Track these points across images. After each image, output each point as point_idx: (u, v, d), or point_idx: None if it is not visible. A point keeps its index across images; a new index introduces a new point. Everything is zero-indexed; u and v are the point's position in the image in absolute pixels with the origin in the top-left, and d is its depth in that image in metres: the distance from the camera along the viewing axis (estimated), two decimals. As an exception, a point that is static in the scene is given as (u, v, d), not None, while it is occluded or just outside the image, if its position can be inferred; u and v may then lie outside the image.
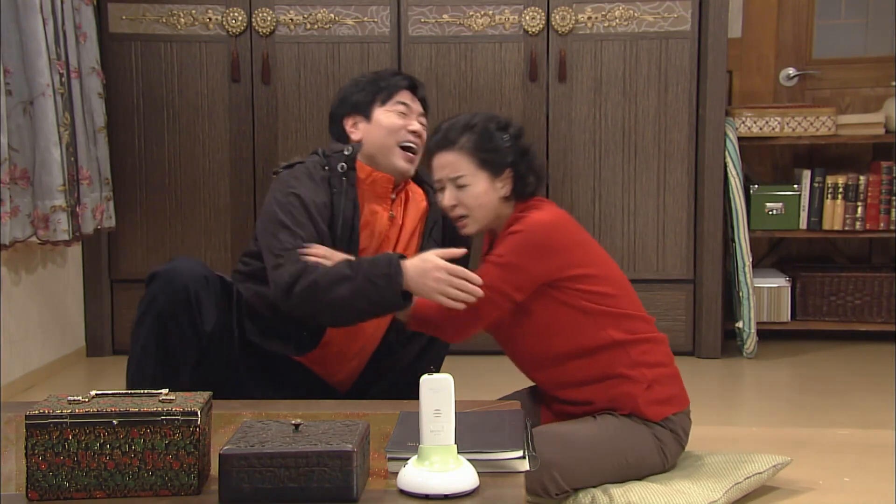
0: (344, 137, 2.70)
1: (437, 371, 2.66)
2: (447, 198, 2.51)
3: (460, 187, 2.49)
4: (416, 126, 2.67)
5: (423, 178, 2.77)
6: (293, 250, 2.44)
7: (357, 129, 2.68)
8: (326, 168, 2.61)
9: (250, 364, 2.60)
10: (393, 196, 2.69)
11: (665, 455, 2.50)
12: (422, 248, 2.69)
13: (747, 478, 2.55)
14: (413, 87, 2.73)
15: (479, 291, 2.36)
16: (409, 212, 2.73)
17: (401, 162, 2.65)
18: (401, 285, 2.34)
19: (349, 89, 2.73)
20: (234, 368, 2.57)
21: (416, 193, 2.76)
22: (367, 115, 2.68)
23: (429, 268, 2.34)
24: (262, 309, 2.59)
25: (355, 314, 2.43)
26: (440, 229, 2.74)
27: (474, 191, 2.48)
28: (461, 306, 2.36)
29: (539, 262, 2.43)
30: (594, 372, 2.47)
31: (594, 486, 2.44)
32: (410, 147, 2.66)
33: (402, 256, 2.38)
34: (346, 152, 2.64)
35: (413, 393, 2.66)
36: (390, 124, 2.65)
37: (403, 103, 2.68)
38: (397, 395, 2.68)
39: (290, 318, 2.55)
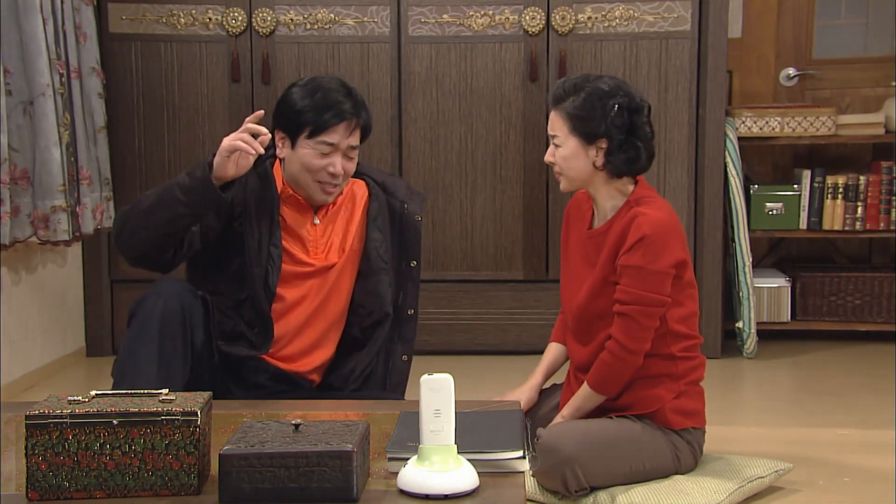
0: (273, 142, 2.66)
1: (409, 359, 2.70)
2: (548, 153, 2.59)
3: (556, 146, 2.55)
4: (336, 168, 2.55)
5: (364, 171, 2.74)
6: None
7: (282, 148, 2.60)
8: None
9: (224, 367, 2.59)
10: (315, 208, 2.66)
11: (679, 464, 2.54)
12: (366, 237, 2.68)
13: (749, 481, 2.56)
14: (352, 117, 2.56)
15: (260, 131, 2.42)
16: (343, 210, 2.69)
17: (318, 195, 2.60)
18: (209, 164, 2.40)
19: (292, 99, 2.58)
20: (214, 380, 2.55)
21: (355, 188, 2.71)
22: (292, 142, 2.57)
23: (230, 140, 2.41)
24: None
25: (170, 207, 2.41)
26: (387, 221, 2.70)
27: (564, 153, 2.53)
28: (249, 149, 2.39)
29: (669, 258, 2.47)
30: (637, 371, 2.51)
31: (606, 487, 2.45)
32: (328, 185, 2.58)
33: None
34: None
35: (391, 381, 2.70)
36: (308, 164, 2.55)
37: (330, 143, 2.54)
38: (374, 385, 2.70)
39: (240, 319, 2.58)
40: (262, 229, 2.57)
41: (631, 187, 2.56)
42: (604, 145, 2.49)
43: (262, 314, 2.58)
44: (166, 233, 2.44)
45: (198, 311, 2.46)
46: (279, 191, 2.63)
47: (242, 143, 2.39)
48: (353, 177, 2.73)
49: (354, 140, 2.59)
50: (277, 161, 2.66)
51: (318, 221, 2.66)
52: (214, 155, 2.42)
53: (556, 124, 2.53)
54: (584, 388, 2.52)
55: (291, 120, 2.57)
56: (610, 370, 2.48)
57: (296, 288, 2.63)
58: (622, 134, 2.49)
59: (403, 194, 2.74)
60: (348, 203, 2.71)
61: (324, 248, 2.65)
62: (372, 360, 2.70)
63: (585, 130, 2.49)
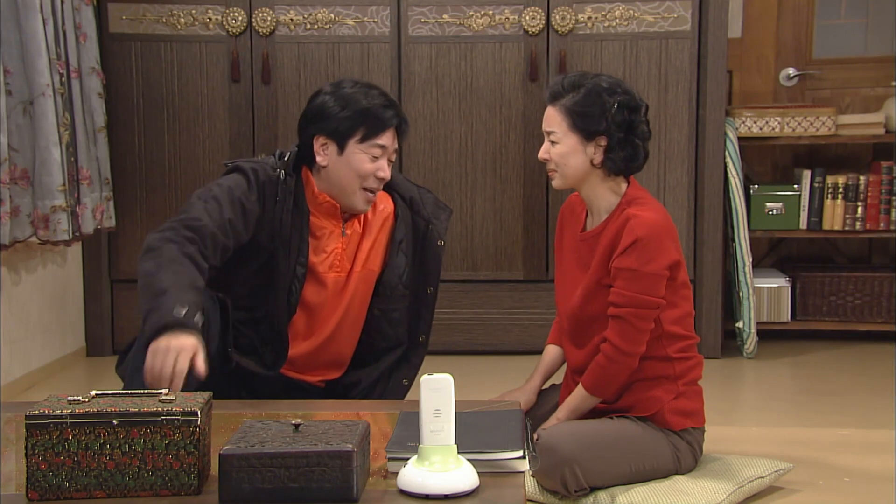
0: (308, 151, 2.57)
1: (410, 384, 2.69)
2: (542, 150, 2.56)
3: (553, 142, 2.53)
4: (384, 172, 2.55)
5: (392, 186, 2.68)
6: (188, 220, 2.35)
7: (325, 155, 2.54)
8: (275, 173, 2.53)
9: (235, 377, 2.55)
10: (346, 216, 2.62)
11: (680, 464, 2.53)
12: (389, 262, 2.64)
13: (749, 481, 2.56)
14: (398, 126, 2.57)
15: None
16: (367, 227, 2.65)
17: (360, 204, 2.57)
18: (148, 338, 2.14)
19: (331, 105, 2.54)
20: (221, 385, 2.50)
21: (381, 203, 2.67)
22: (340, 147, 2.52)
23: (170, 349, 2.10)
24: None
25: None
26: (410, 243, 2.67)
27: (561, 149, 2.51)
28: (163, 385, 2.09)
29: (663, 260, 2.45)
30: (634, 374, 2.50)
31: (606, 488, 2.45)
32: (373, 192, 2.57)
33: (186, 325, 2.13)
34: (285, 157, 2.55)
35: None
36: (361, 169, 2.52)
37: (382, 146, 2.53)
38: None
39: (255, 334, 2.54)
40: (292, 248, 2.54)
41: (624, 187, 2.55)
42: (603, 143, 2.49)
43: (279, 333, 2.55)
44: None
45: (215, 315, 2.41)
46: (314, 195, 2.57)
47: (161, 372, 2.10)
48: (384, 188, 2.69)
49: (396, 143, 2.59)
50: (304, 169, 2.60)
51: (347, 233, 2.62)
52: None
53: (554, 120, 2.52)
54: (580, 390, 2.52)
55: (339, 126, 2.53)
56: (605, 372, 2.48)
57: (312, 315, 2.59)
58: (622, 132, 2.48)
59: (430, 212, 2.69)
60: (374, 221, 2.66)
61: (346, 267, 2.61)
62: (377, 378, 2.69)
63: (585, 127, 2.48)
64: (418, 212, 2.69)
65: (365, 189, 2.55)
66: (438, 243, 2.68)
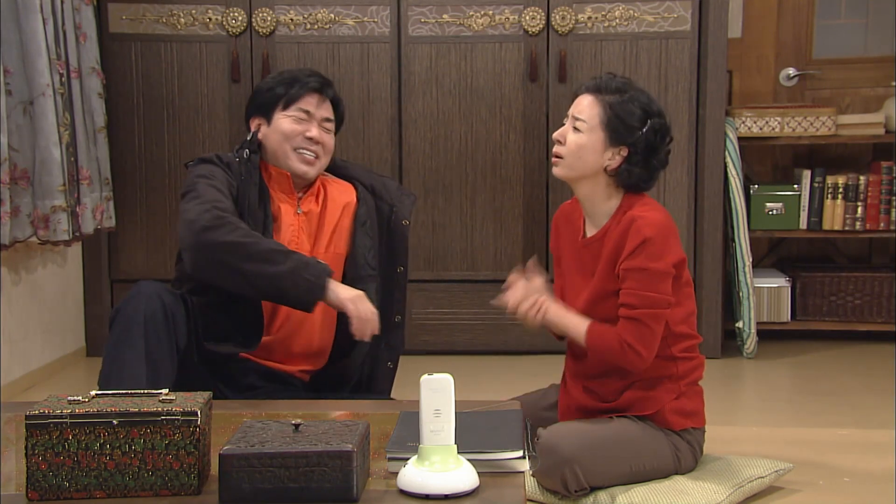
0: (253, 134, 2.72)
1: (395, 366, 2.70)
2: (559, 131, 2.54)
3: (575, 129, 2.50)
4: (313, 133, 2.65)
5: (352, 175, 2.78)
6: (212, 201, 2.46)
7: (261, 132, 2.69)
8: (237, 160, 2.64)
9: (212, 369, 2.56)
10: (301, 194, 2.69)
11: (680, 464, 2.53)
12: (354, 242, 2.69)
13: (749, 481, 2.56)
14: (320, 90, 2.69)
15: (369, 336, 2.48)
16: (327, 208, 2.71)
17: (298, 164, 2.65)
18: (319, 299, 2.42)
19: (261, 86, 2.74)
20: (203, 381, 2.52)
21: (341, 189, 2.74)
22: (268, 119, 2.67)
23: (358, 297, 2.45)
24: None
25: (258, 294, 2.48)
26: (375, 225, 2.71)
27: (582, 140, 2.49)
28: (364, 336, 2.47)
29: (670, 258, 2.45)
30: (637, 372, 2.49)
31: (606, 488, 2.45)
32: (307, 151, 2.65)
33: (331, 272, 2.44)
34: (248, 138, 2.68)
35: (376, 387, 2.70)
36: (287, 129, 2.64)
37: (305, 110, 2.66)
38: (360, 390, 2.70)
39: (227, 317, 2.55)
40: (257, 225, 2.57)
41: (622, 194, 2.55)
42: (624, 153, 2.48)
43: (255, 308, 2.56)
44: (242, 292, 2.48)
45: (179, 310, 2.43)
46: (268, 170, 2.66)
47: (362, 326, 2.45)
48: (342, 179, 2.75)
49: (327, 111, 2.69)
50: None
51: (302, 211, 2.66)
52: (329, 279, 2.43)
53: (591, 111, 2.49)
54: (581, 323, 2.47)
55: (264, 100, 2.68)
56: (612, 357, 2.44)
57: None
58: (646, 152, 2.48)
59: (392, 196, 2.74)
60: (335, 204, 2.70)
61: (307, 248, 2.63)
62: (360, 365, 2.68)
63: (616, 131, 2.46)
64: (381, 197, 2.75)
65: (297, 149, 2.65)
66: (403, 223, 2.74)
